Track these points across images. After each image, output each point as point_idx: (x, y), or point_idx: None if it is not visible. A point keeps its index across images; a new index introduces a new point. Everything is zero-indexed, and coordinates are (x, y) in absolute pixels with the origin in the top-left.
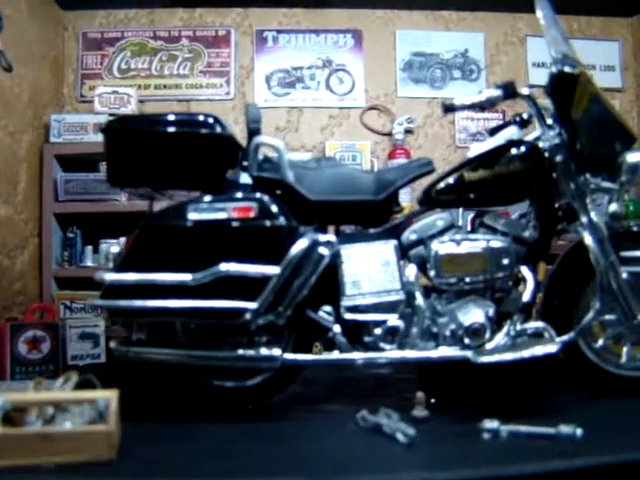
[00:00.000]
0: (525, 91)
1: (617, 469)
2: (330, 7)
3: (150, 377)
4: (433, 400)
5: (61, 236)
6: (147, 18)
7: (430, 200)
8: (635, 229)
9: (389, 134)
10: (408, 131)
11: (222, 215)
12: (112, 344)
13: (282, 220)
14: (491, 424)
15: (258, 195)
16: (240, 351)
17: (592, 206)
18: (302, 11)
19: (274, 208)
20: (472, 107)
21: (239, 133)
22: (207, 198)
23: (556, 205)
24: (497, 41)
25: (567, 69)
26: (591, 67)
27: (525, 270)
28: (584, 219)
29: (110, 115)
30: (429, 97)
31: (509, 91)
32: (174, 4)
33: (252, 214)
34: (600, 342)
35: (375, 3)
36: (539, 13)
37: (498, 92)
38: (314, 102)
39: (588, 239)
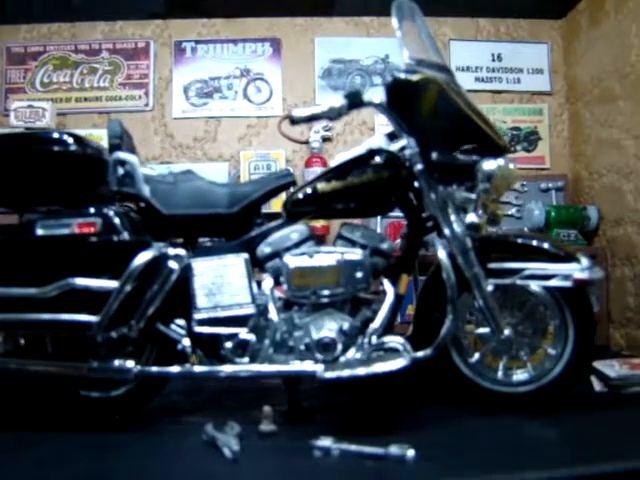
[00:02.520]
0: (376, 99)
1: None
2: (250, 16)
3: (22, 388)
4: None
5: None
6: (69, 32)
7: (288, 212)
8: (503, 239)
9: (307, 142)
10: (327, 139)
11: (66, 231)
12: None
13: (125, 235)
14: (323, 442)
15: (103, 210)
16: (94, 363)
17: (455, 217)
18: (221, 21)
19: (118, 223)
20: (317, 118)
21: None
22: (55, 214)
23: (424, 216)
24: None
25: (402, 76)
26: (519, 70)
27: (386, 283)
28: (446, 230)
29: (26, 129)
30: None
31: (354, 100)
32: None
33: (95, 229)
34: (475, 357)
35: (295, 11)
36: (394, 20)
37: (342, 102)
38: (232, 112)
39: (441, 252)
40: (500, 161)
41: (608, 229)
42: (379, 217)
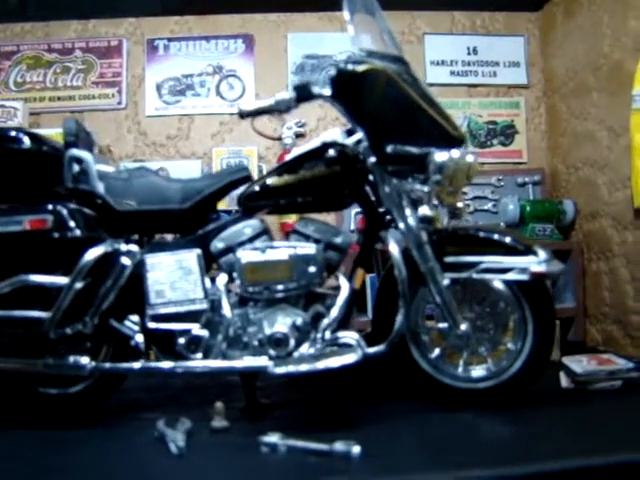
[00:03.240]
0: (326, 92)
1: None
2: (222, 13)
3: None
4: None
5: None
6: (42, 31)
7: (242, 207)
8: (460, 233)
9: (279, 139)
10: (300, 135)
11: (18, 227)
12: None
13: (77, 231)
14: (270, 438)
15: (54, 207)
16: (49, 360)
17: (410, 210)
18: (194, 18)
19: (69, 220)
20: (266, 112)
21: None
22: (7, 211)
23: (381, 210)
24: None
25: (346, 67)
26: (495, 63)
27: (341, 277)
28: (401, 224)
29: None
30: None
31: (303, 93)
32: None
33: (47, 226)
34: (436, 352)
35: (267, 7)
36: (345, 13)
37: (290, 94)
38: (205, 109)
39: (393, 247)
40: (455, 153)
41: (584, 223)
42: (353, 210)
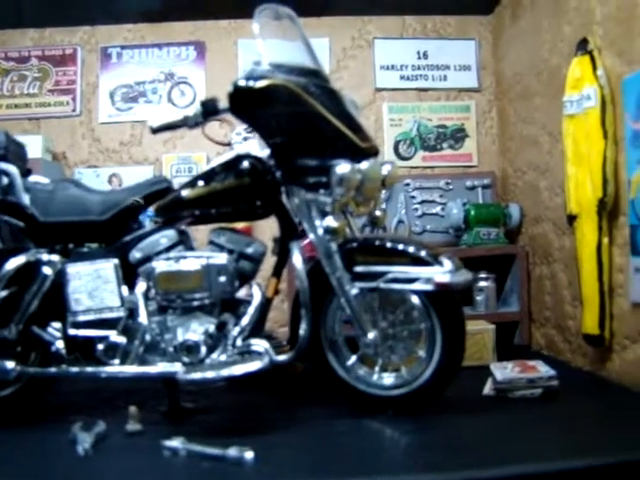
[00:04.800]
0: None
1: None
2: (174, 20)
3: None
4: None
5: None
6: None
7: (160, 217)
8: (370, 243)
9: (229, 144)
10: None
11: None
12: None
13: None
14: (172, 442)
15: None
16: None
17: (319, 221)
18: (147, 26)
19: None
20: (175, 127)
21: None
22: None
23: (296, 221)
24: (344, 45)
25: (243, 83)
26: (445, 67)
27: (254, 287)
28: (311, 235)
29: None
30: None
31: (209, 108)
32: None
33: None
34: (352, 360)
35: (219, 14)
36: (255, 26)
37: (197, 110)
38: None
39: (296, 257)
40: (363, 164)
41: (530, 227)
42: None
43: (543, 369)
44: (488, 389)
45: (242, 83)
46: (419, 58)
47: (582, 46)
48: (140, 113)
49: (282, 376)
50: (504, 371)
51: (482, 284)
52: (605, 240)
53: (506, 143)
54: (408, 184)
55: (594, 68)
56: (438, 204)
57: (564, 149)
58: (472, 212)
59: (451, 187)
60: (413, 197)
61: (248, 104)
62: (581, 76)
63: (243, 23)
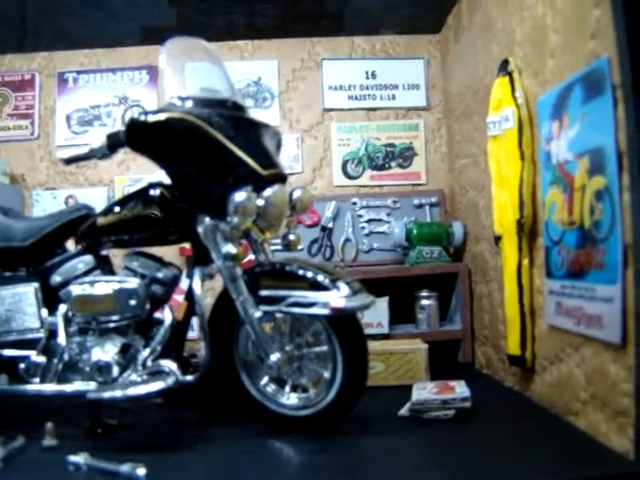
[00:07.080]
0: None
1: None
2: (128, 45)
3: None
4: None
5: None
6: None
7: (80, 243)
8: (273, 268)
9: None
10: None
11: None
12: None
13: None
14: (75, 458)
15: None
16: None
17: (224, 247)
18: (102, 51)
19: None
20: (83, 159)
21: None
22: None
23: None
24: (293, 67)
25: (138, 118)
26: (394, 87)
27: (166, 309)
28: (217, 261)
29: None
30: None
31: (114, 140)
32: None
33: None
34: (264, 380)
35: (168, 38)
36: (161, 58)
37: (102, 143)
38: None
39: (196, 282)
40: (267, 191)
41: (472, 246)
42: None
43: (459, 390)
44: (405, 410)
45: (136, 118)
46: (367, 78)
47: (503, 67)
48: (95, 136)
49: (213, 394)
50: (421, 392)
51: (424, 302)
52: (525, 261)
53: (453, 161)
54: (355, 203)
55: (512, 89)
56: (385, 222)
57: (489, 170)
58: (414, 231)
59: (399, 205)
60: (360, 216)
61: (143, 138)
62: (502, 97)
63: None
